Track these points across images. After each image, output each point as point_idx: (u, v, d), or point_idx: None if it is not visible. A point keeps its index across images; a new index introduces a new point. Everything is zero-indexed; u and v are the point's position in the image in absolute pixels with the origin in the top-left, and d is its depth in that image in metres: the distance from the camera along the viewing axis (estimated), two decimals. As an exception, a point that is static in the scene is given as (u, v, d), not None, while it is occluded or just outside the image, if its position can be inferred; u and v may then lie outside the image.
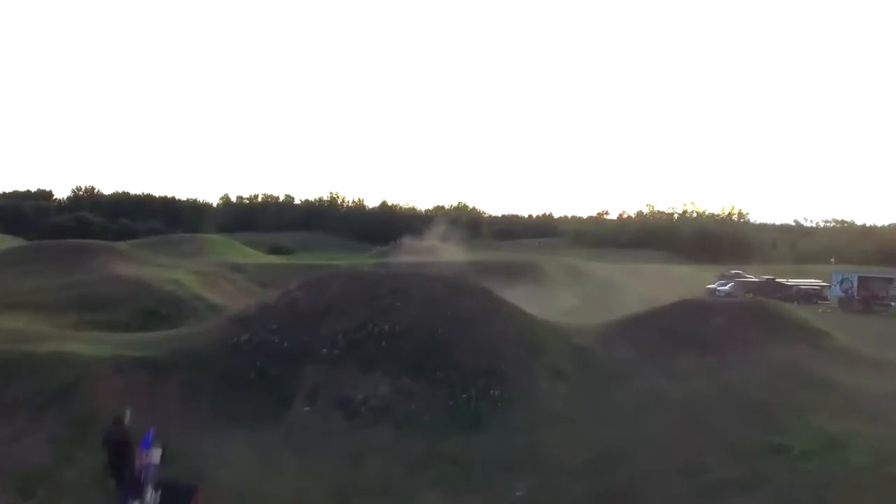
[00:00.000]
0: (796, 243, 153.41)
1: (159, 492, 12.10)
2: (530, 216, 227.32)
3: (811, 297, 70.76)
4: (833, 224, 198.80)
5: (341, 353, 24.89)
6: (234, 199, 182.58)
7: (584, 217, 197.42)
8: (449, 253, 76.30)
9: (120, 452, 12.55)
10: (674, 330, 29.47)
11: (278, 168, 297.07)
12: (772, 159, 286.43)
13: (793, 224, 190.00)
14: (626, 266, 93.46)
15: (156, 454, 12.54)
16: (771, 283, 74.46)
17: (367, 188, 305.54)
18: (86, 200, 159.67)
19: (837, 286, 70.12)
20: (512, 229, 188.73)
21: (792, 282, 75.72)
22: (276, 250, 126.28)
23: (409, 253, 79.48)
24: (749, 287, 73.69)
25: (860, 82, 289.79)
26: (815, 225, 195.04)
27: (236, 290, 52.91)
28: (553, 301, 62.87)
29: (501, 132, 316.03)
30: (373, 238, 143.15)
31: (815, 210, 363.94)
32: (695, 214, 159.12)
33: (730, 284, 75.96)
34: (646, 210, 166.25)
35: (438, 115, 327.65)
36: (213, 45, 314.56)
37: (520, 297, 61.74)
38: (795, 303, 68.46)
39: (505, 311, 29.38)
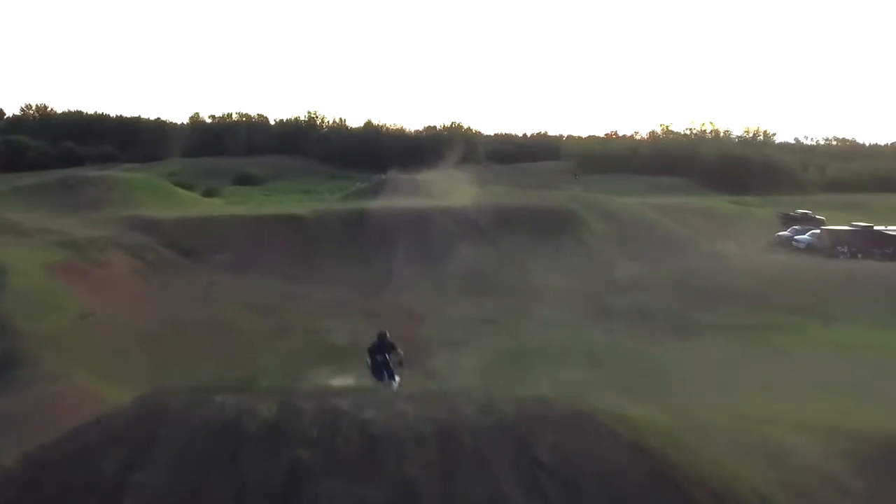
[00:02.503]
0: (825, 167, 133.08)
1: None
2: (525, 135, 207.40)
3: (938, 256, 51.00)
4: (835, 143, 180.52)
5: None
6: (207, 119, 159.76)
7: (585, 137, 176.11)
8: (455, 193, 55.88)
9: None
10: None
11: (251, 84, 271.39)
12: (776, 74, 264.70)
13: (793, 143, 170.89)
14: (657, 201, 73.41)
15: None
16: (870, 232, 54.43)
17: (348, 106, 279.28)
18: (30, 121, 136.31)
19: None
20: (505, 150, 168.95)
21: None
22: (243, 179, 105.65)
23: (401, 192, 59.03)
24: (838, 238, 53.81)
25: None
26: (815, 143, 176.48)
27: (131, 274, 33.29)
28: (608, 269, 43.72)
29: (493, 40, 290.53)
30: (356, 163, 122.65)
31: (812, 128, 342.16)
32: (711, 135, 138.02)
33: (809, 233, 56.28)
34: (659, 131, 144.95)
35: (424, 22, 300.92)
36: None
37: (565, 263, 42.86)
38: (916, 264, 49.16)
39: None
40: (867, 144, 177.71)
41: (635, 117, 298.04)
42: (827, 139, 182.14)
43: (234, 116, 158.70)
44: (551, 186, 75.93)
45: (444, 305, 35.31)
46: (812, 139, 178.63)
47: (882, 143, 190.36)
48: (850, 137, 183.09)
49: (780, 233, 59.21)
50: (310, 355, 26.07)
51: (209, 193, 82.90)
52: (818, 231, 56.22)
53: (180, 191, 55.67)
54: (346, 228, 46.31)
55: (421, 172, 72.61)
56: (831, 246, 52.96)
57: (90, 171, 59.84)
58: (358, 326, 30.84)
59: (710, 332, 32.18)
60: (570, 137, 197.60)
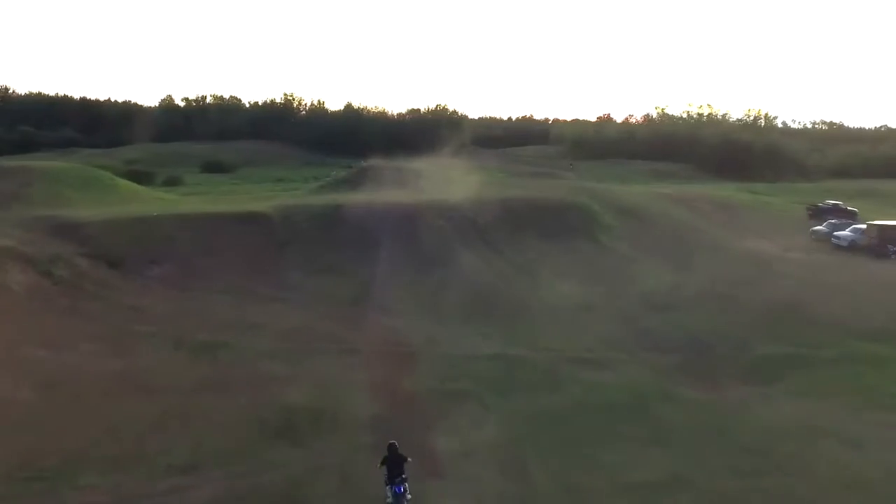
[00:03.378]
0: (825, 151, 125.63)
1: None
2: (510, 119, 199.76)
3: None
4: (822, 126, 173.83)
5: None
6: (179, 102, 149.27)
7: (571, 120, 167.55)
8: (448, 184, 47.63)
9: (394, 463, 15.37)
10: None
11: (225, 64, 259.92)
12: (762, 57, 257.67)
13: (780, 126, 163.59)
14: (664, 190, 65.73)
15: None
16: (928, 230, 46.78)
17: (328, 88, 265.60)
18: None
19: None
20: (491, 135, 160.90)
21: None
22: (211, 167, 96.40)
23: (384, 183, 50.61)
24: (890, 235, 46.21)
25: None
26: (802, 126, 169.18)
27: (28, 300, 25.06)
28: (636, 277, 36.05)
29: (476, 19, 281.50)
30: (335, 149, 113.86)
31: (798, 112, 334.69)
32: (707, 119, 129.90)
33: (850, 228, 48.68)
34: (655, 114, 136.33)
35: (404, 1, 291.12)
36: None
37: (584, 270, 35.53)
38: None
39: None
40: (853, 128, 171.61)
41: (625, 100, 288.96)
42: (814, 122, 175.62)
43: (209, 99, 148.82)
44: (546, 174, 67.72)
45: (440, 334, 27.19)
46: (799, 122, 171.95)
47: (868, 126, 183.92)
48: (836, 121, 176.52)
49: (816, 228, 51.45)
50: (254, 434, 17.83)
51: (170, 183, 74.14)
52: (862, 226, 48.42)
53: (122, 183, 45.91)
54: (318, 229, 37.97)
55: (406, 159, 64.28)
56: (880, 244, 45.33)
57: (6, 161, 49.86)
58: (329, 372, 22.71)
59: (790, 371, 24.43)
60: (556, 121, 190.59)
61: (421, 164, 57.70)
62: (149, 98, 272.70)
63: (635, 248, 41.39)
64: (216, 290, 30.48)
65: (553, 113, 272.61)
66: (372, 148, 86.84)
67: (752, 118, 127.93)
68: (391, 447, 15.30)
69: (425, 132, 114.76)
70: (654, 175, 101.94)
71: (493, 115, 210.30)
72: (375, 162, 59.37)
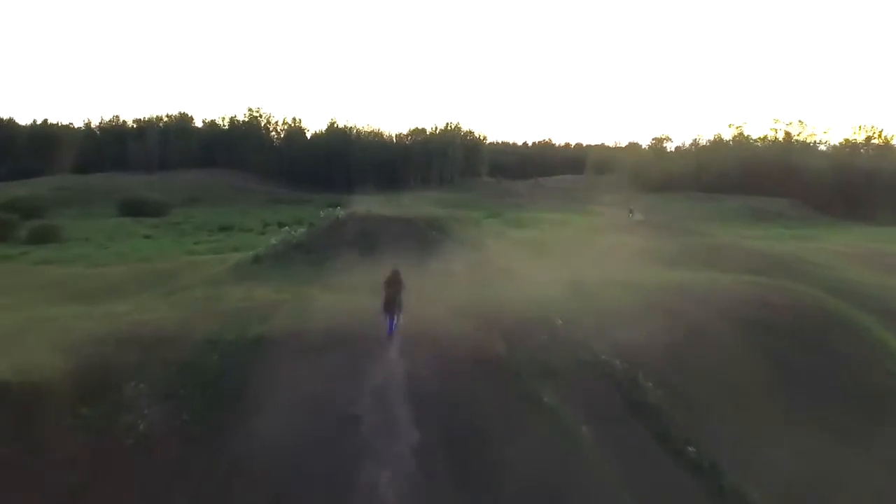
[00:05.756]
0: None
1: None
2: (525, 144, 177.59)
3: None
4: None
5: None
6: (126, 121, 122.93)
7: (598, 144, 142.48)
8: (527, 263, 21.36)
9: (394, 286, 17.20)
10: None
11: (175, 74, 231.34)
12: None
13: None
14: (839, 247, 41.19)
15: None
16: None
17: (306, 104, 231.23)
18: None
19: None
20: (507, 161, 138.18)
21: None
22: (134, 208, 70.00)
23: (385, 251, 23.73)
24: None
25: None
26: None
27: None
28: None
29: (487, 21, 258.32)
30: (316, 180, 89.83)
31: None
32: (795, 139, 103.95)
33: None
34: (728, 134, 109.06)
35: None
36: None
37: None
38: None
39: None
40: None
41: (664, 120, 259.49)
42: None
43: (164, 119, 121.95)
44: (686, 229, 42.41)
45: None
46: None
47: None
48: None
49: None
50: None
51: (38, 238, 47.77)
52: None
53: None
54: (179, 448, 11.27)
55: (416, 197, 37.81)
56: None
57: None
58: None
59: None
60: (578, 146, 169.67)
61: (455, 213, 31.02)
62: (76, 117, 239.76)
63: None
64: None
65: (575, 137, 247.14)
66: (364, 179, 63.47)
67: (862, 138, 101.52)
68: (395, 273, 17.23)
69: (433, 158, 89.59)
70: (753, 215, 77.03)
71: (505, 139, 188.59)
72: (363, 206, 32.23)
